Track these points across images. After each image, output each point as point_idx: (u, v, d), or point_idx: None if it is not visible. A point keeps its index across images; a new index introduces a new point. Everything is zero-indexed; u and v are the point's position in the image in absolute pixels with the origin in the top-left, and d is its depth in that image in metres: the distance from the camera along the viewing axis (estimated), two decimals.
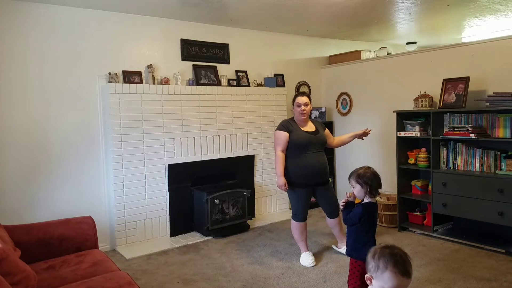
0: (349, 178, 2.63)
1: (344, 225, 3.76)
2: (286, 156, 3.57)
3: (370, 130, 3.87)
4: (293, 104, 3.68)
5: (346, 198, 2.65)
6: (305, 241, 3.65)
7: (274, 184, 5.19)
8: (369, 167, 2.62)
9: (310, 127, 3.67)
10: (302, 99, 3.61)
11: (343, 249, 3.76)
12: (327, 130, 3.82)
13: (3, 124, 3.59)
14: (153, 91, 4.19)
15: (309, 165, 3.53)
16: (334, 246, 3.90)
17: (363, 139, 3.93)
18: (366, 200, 2.57)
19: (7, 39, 3.59)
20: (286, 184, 3.52)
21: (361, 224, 2.54)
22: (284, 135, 3.56)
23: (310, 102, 3.67)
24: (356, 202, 2.69)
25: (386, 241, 4.07)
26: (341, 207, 2.68)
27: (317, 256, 3.72)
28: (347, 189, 5.82)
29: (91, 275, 2.43)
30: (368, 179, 2.52)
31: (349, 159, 5.55)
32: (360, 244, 2.54)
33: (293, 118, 3.70)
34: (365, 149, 5.25)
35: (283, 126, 3.62)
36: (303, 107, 3.58)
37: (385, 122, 4.96)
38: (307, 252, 3.62)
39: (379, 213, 4.56)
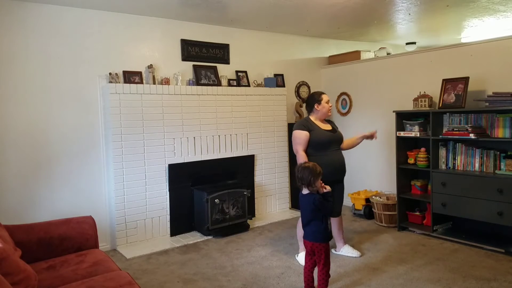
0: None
1: (342, 227, 3.77)
2: (307, 155, 3.45)
3: (376, 132, 3.81)
4: (315, 103, 3.56)
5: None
6: None
7: (274, 184, 5.20)
8: (299, 164, 2.90)
9: (327, 126, 3.62)
10: (328, 97, 3.64)
11: (340, 251, 3.76)
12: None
13: (4, 124, 3.60)
14: (154, 91, 4.20)
15: (331, 163, 3.46)
16: (333, 250, 3.85)
17: (371, 140, 3.85)
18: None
19: (8, 39, 3.60)
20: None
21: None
22: (305, 135, 3.47)
23: None
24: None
25: (386, 240, 4.09)
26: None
27: None
28: (348, 189, 5.81)
29: (91, 274, 2.43)
30: (298, 173, 2.82)
31: (349, 159, 5.50)
32: None
33: (309, 117, 3.62)
34: (365, 149, 5.25)
35: (302, 126, 3.52)
36: (330, 104, 3.61)
37: (385, 122, 4.97)
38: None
39: (379, 212, 4.58)
